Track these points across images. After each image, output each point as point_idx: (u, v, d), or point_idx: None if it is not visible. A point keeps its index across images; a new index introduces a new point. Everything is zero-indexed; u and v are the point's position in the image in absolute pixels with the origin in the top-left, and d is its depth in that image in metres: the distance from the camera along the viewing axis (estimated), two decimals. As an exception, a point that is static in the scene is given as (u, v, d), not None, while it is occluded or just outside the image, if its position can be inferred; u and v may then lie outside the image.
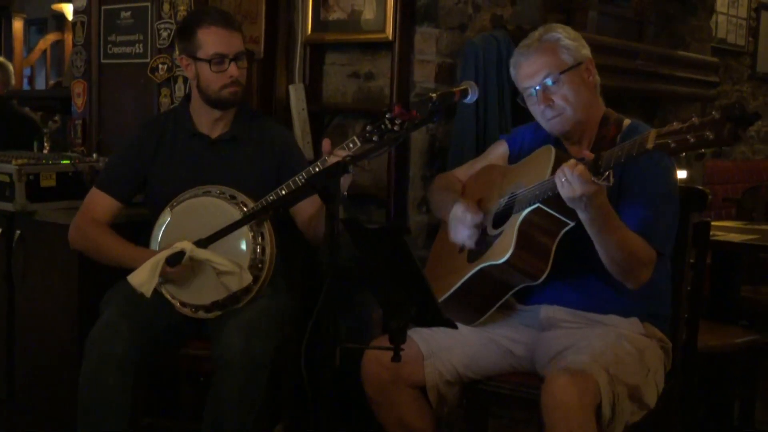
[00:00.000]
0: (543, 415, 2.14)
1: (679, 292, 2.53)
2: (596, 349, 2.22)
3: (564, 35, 2.39)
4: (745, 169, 6.30)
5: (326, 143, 2.48)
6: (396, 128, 2.38)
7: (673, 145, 1.87)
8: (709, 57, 4.92)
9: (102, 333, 2.48)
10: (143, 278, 2.44)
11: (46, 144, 3.82)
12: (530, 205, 2.22)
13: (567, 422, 2.09)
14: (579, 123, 2.39)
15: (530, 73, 2.38)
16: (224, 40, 2.65)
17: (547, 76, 2.35)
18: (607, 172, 2.03)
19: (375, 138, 2.40)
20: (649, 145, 1.92)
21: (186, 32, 2.70)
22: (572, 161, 2.06)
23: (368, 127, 2.42)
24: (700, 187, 2.60)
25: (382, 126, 2.40)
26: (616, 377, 2.16)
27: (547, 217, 2.22)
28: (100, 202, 2.74)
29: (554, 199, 2.14)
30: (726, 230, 3.71)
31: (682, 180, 2.63)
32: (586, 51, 2.41)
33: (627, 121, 2.43)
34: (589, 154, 2.07)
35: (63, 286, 3.02)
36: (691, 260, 2.67)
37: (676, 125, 1.87)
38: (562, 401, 2.09)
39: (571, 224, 2.20)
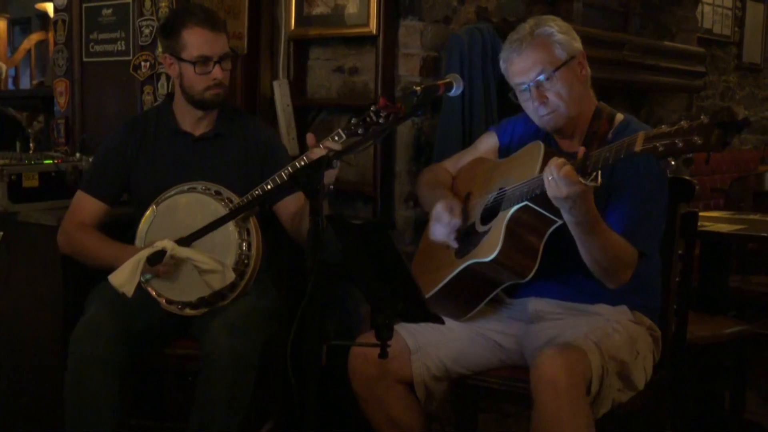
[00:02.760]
0: (532, 392, 2.10)
1: (667, 283, 2.52)
2: (586, 328, 2.21)
3: (556, 29, 2.34)
4: (733, 159, 6.30)
5: (310, 137, 2.45)
6: (381, 121, 2.36)
7: (661, 148, 1.84)
8: (696, 47, 4.92)
9: (86, 332, 2.45)
10: (124, 278, 2.42)
11: (31, 144, 3.78)
12: (518, 203, 2.20)
13: (555, 398, 2.05)
14: (572, 119, 2.36)
15: (523, 69, 2.33)
16: (209, 42, 2.62)
17: (541, 72, 2.30)
18: (594, 173, 2.01)
19: (360, 131, 2.38)
20: (637, 149, 1.89)
21: (170, 31, 2.67)
22: (560, 160, 2.02)
23: (353, 120, 2.40)
24: (687, 178, 2.58)
25: (367, 119, 2.38)
26: (607, 352, 2.15)
27: (535, 214, 2.19)
28: (86, 206, 2.72)
29: (542, 197, 2.11)
30: (714, 221, 3.71)
31: (669, 171, 2.61)
32: (578, 44, 2.37)
33: (620, 116, 2.40)
34: (583, 150, 2.04)
35: (47, 286, 2.99)
36: (680, 251, 2.66)
37: (664, 128, 1.85)
38: (550, 376, 2.06)
39: (559, 222, 2.17)
